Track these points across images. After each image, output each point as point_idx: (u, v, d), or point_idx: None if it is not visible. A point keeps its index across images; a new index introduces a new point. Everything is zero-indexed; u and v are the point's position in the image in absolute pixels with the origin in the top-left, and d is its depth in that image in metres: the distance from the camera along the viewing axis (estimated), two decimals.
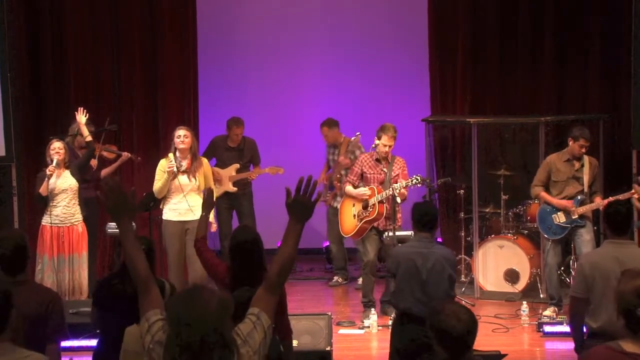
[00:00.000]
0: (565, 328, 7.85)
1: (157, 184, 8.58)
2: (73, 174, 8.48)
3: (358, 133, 9.81)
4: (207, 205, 6.26)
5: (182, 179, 8.58)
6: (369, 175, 8.83)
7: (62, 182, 8.41)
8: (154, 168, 8.74)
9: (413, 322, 6.04)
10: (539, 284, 9.65)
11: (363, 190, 8.78)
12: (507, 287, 9.68)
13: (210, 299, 3.08)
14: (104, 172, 9.72)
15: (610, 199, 8.18)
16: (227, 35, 11.63)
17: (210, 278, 6.13)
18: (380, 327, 8.53)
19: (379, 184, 8.75)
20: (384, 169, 8.70)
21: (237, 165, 10.35)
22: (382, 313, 8.86)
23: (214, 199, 6.62)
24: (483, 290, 9.76)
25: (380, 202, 8.64)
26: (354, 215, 8.88)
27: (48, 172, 8.26)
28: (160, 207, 8.73)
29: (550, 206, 8.93)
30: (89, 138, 8.73)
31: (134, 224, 3.74)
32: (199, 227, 6.18)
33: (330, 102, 11.46)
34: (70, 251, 8.42)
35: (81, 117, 8.75)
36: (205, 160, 8.92)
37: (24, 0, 10.43)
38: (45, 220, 8.42)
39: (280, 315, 5.32)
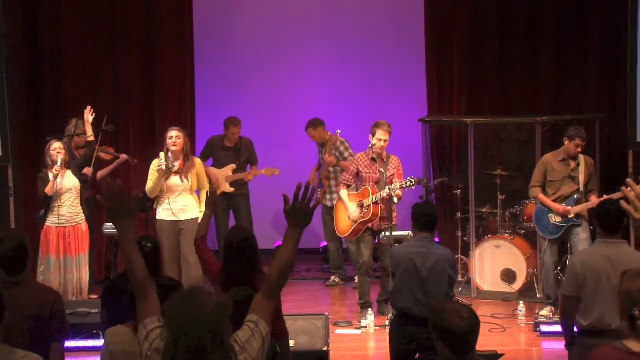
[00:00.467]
0: None
1: (149, 184, 8.62)
2: (74, 174, 8.51)
3: (338, 130, 9.83)
4: (210, 204, 6.28)
5: (175, 179, 8.60)
6: (364, 175, 8.82)
7: (67, 182, 8.44)
8: None
9: (412, 322, 6.06)
10: (535, 284, 9.65)
11: (353, 212, 8.70)
12: (504, 287, 9.68)
13: (208, 301, 3.07)
14: (100, 173, 9.71)
15: (605, 197, 8.18)
16: (225, 35, 11.62)
17: (206, 277, 6.10)
18: (377, 327, 8.54)
19: (375, 183, 8.73)
20: (380, 169, 8.69)
21: (234, 166, 10.35)
22: (379, 313, 8.86)
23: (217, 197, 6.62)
24: (480, 290, 9.76)
25: (375, 203, 8.62)
26: (349, 216, 8.87)
27: (55, 172, 8.27)
28: (154, 207, 8.74)
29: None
30: (92, 138, 8.72)
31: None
32: (201, 226, 6.20)
33: (328, 102, 11.46)
34: (77, 251, 8.45)
35: (88, 116, 8.73)
36: (198, 161, 8.94)
37: (22, 0, 10.43)
38: (51, 221, 8.43)
39: (275, 317, 5.32)
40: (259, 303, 3.36)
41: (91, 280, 8.75)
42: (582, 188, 8.88)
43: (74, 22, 10.60)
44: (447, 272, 6.14)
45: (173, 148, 8.59)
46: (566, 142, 8.84)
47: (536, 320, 8.56)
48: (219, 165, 10.39)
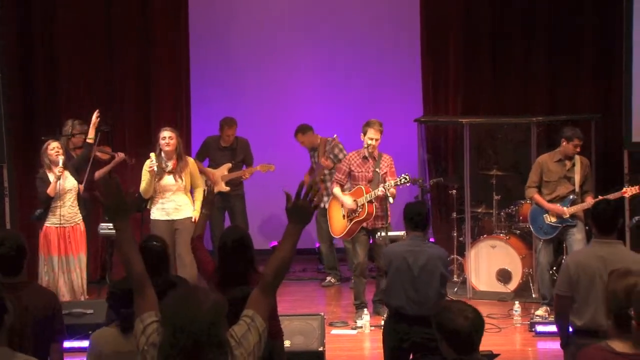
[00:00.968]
0: None
1: (142, 185, 8.66)
2: (72, 174, 8.52)
3: (335, 135, 9.90)
4: (207, 203, 6.30)
5: (169, 179, 8.63)
6: (357, 174, 8.79)
7: (67, 183, 8.45)
8: None
9: (405, 320, 6.08)
10: (531, 284, 9.65)
11: (349, 203, 8.71)
12: (499, 287, 9.68)
13: (204, 300, 3.07)
14: (98, 173, 9.67)
15: (601, 198, 8.19)
16: (221, 34, 11.61)
17: (201, 277, 6.11)
18: (372, 328, 8.53)
19: (367, 182, 8.71)
20: (375, 168, 8.67)
21: (229, 165, 10.35)
22: (375, 313, 8.86)
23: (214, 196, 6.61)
24: (475, 290, 9.76)
25: (370, 201, 8.61)
26: (344, 216, 8.85)
27: (58, 173, 8.27)
28: (148, 207, 8.76)
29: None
30: (91, 140, 8.71)
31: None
32: (198, 225, 6.21)
33: (323, 102, 11.46)
34: (77, 251, 8.47)
35: (96, 119, 8.70)
36: (191, 160, 8.97)
37: (17, 0, 10.41)
38: (51, 222, 8.44)
39: (270, 316, 5.33)
40: (255, 298, 3.37)
41: (88, 280, 8.76)
42: (577, 188, 8.87)
43: (69, 22, 10.57)
44: (440, 271, 6.16)
45: (166, 148, 8.63)
46: (564, 143, 8.82)
47: (531, 320, 8.55)
48: (215, 165, 10.39)
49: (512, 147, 10.50)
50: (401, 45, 11.51)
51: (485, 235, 9.90)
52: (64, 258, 8.41)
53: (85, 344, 7.46)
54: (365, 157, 8.77)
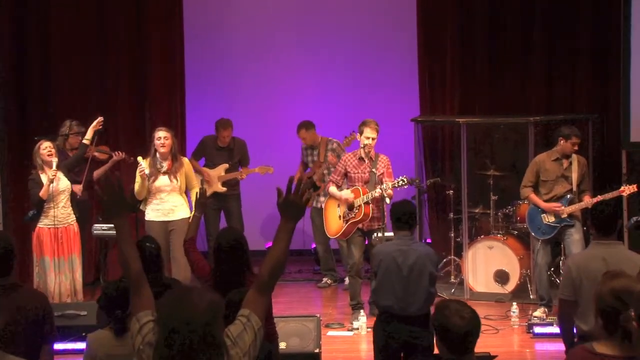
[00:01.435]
0: (556, 329, 7.81)
1: (135, 187, 8.62)
2: (65, 175, 8.46)
3: (353, 132, 9.73)
4: (199, 205, 6.26)
5: (164, 179, 8.59)
6: (353, 175, 8.75)
7: (60, 184, 8.38)
8: None
9: (395, 319, 6.11)
10: (528, 285, 9.62)
11: (347, 194, 8.67)
12: (496, 288, 9.65)
13: (200, 300, 3.06)
14: (97, 173, 9.67)
15: (599, 197, 8.15)
16: (216, 34, 11.59)
17: (195, 279, 6.08)
18: (369, 329, 8.41)
19: (364, 183, 8.67)
20: (372, 169, 8.62)
21: (226, 165, 10.32)
22: (371, 314, 8.78)
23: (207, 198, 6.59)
24: (473, 292, 9.72)
25: (366, 203, 8.56)
26: (340, 217, 8.81)
27: (51, 176, 8.21)
28: (142, 208, 8.72)
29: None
30: (88, 142, 8.65)
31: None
32: (190, 227, 6.17)
33: (319, 101, 11.43)
34: (70, 252, 8.41)
35: (99, 125, 8.62)
36: (186, 160, 8.93)
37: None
38: (44, 223, 8.37)
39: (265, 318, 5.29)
40: (251, 298, 3.36)
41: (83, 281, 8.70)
42: (575, 188, 8.84)
43: (62, 21, 10.54)
44: (429, 270, 6.18)
45: (161, 149, 8.59)
46: (562, 142, 8.78)
47: (529, 322, 8.51)
48: (212, 165, 10.36)
49: (509, 146, 10.48)
50: (398, 45, 11.49)
51: (482, 236, 9.87)
52: (57, 259, 8.36)
53: (79, 345, 7.54)
54: (361, 158, 8.72)
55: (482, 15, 10.82)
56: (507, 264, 9.61)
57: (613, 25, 10.38)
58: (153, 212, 8.64)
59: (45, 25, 10.54)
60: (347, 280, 9.63)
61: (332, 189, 8.84)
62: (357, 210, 8.63)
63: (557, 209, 8.74)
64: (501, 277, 9.65)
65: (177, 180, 8.59)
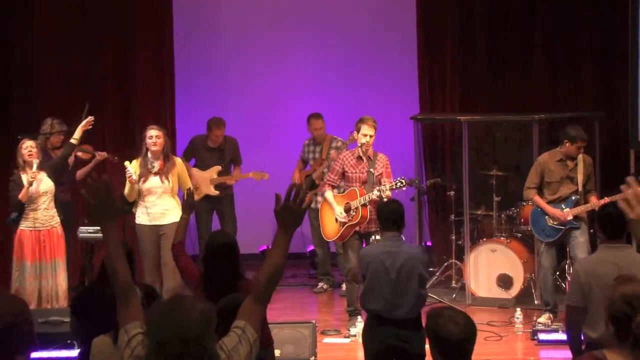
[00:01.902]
0: (561, 336, 7.76)
1: (125, 189, 8.50)
2: (49, 176, 8.32)
3: (352, 132, 9.60)
4: (187, 207, 6.15)
5: (155, 180, 8.45)
6: (350, 175, 8.59)
7: (42, 185, 8.26)
8: None
9: (384, 323, 6.09)
10: (533, 290, 9.55)
11: (339, 212, 8.47)
12: (500, 293, 9.59)
13: (192, 309, 2.98)
14: (79, 173, 9.58)
15: (606, 199, 8.04)
16: (207, 30, 11.51)
17: (186, 284, 6.08)
18: None
19: (362, 183, 8.53)
20: (369, 168, 8.50)
21: (219, 168, 10.23)
22: None
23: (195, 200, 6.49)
24: (475, 297, 9.66)
25: (364, 205, 8.43)
26: (336, 219, 8.66)
27: (30, 179, 8.08)
28: (132, 210, 8.60)
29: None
30: (76, 141, 8.53)
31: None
32: (178, 230, 6.09)
33: (317, 100, 11.33)
34: (52, 256, 8.29)
35: (88, 126, 8.49)
36: (178, 160, 8.81)
37: None
38: (25, 225, 8.25)
39: None
40: (247, 308, 3.34)
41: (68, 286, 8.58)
42: (580, 188, 8.75)
43: (46, 18, 10.46)
44: (418, 271, 6.17)
45: (153, 148, 8.46)
46: (567, 144, 8.67)
47: (534, 328, 8.42)
48: (202, 166, 10.26)
49: (512, 145, 10.45)
50: (397, 42, 11.48)
51: (484, 239, 9.84)
52: (38, 263, 8.23)
53: (64, 354, 7.39)
54: (359, 157, 8.58)
55: (482, 15, 10.84)
56: (511, 268, 9.53)
57: (616, 24, 10.36)
58: (143, 216, 8.51)
59: (30, 23, 10.45)
60: (344, 286, 9.52)
61: (329, 194, 8.69)
62: (354, 213, 8.51)
63: (560, 216, 8.64)
64: (504, 281, 9.57)
65: (168, 181, 8.44)
